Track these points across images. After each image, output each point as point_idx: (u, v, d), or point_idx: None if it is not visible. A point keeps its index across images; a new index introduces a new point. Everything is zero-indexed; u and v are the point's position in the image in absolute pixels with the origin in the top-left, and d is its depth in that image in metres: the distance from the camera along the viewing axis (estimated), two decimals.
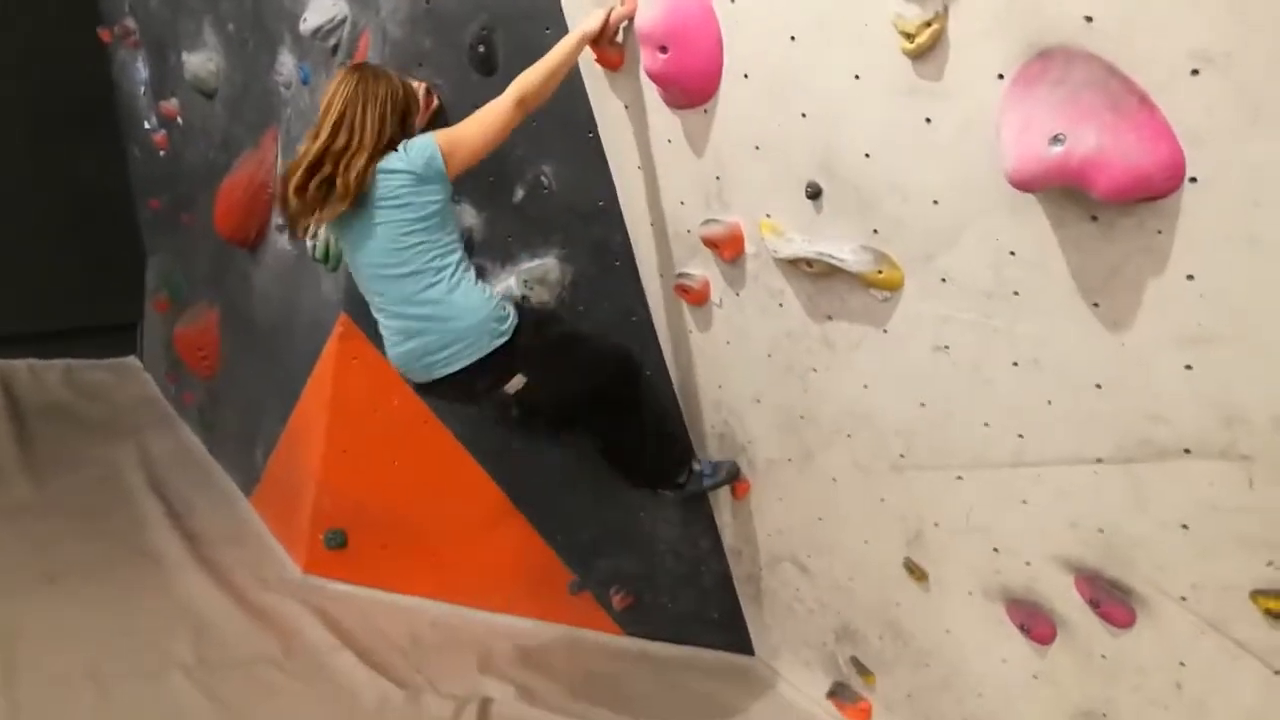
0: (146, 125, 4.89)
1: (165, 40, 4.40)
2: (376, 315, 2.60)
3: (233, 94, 3.88)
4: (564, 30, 2.66)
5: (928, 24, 1.79)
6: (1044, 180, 1.66)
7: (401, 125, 2.44)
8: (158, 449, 4.57)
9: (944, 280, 2.04)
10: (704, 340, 2.81)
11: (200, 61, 3.94)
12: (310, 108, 3.29)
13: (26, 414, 4.83)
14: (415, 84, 2.78)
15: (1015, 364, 1.98)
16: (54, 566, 3.56)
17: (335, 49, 3.05)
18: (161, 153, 4.78)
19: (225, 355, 4.29)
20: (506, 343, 2.51)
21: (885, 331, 2.24)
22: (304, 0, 3.16)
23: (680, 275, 2.72)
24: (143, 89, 4.83)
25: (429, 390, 2.67)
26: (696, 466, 2.96)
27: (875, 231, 2.13)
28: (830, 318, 2.36)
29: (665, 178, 2.64)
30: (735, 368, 2.76)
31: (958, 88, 1.81)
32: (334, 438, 3.30)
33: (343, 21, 2.98)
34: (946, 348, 2.11)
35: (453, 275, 2.47)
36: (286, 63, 3.37)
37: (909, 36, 1.82)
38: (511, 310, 2.56)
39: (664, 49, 2.32)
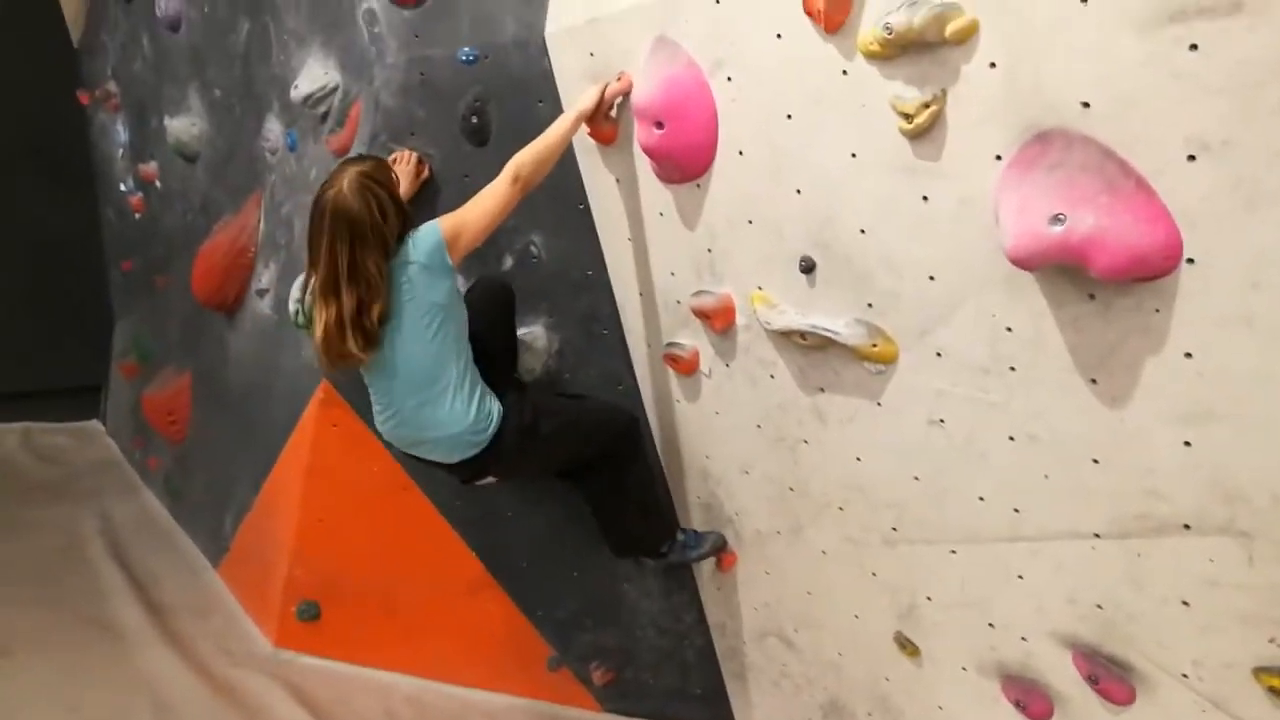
0: (123, 188, 4.87)
1: (147, 104, 4.40)
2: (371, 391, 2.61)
3: (215, 158, 3.88)
4: (557, 103, 2.71)
5: (926, 105, 1.84)
6: (1043, 258, 1.70)
7: (399, 218, 2.44)
8: (120, 515, 4.44)
9: (939, 355, 2.06)
10: (692, 410, 2.81)
11: (184, 125, 3.94)
12: (297, 174, 3.30)
13: None
14: (404, 154, 2.81)
15: (1011, 438, 2.00)
16: (4, 638, 3.42)
17: (325, 116, 3.06)
18: (137, 215, 4.75)
19: (196, 420, 4.20)
20: (480, 451, 2.55)
21: (879, 405, 2.25)
22: (294, 68, 3.18)
23: (670, 345, 2.73)
24: (121, 151, 4.81)
25: (412, 458, 2.68)
26: (680, 537, 2.93)
27: (870, 305, 2.15)
28: (823, 390, 2.37)
29: (656, 249, 2.66)
30: (724, 438, 2.75)
31: (955, 167, 1.86)
32: (309, 505, 3.23)
33: (334, 90, 3.00)
34: (941, 421, 2.13)
35: (451, 385, 2.49)
36: (274, 129, 3.38)
37: (908, 117, 1.87)
38: (493, 420, 2.55)
39: (660, 125, 2.36)
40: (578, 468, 2.87)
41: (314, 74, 3.02)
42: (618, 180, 2.67)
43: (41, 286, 5.53)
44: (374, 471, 3.10)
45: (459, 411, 2.49)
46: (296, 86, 3.02)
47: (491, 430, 2.54)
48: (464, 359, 2.52)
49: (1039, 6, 1.62)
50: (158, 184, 4.46)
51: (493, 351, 2.68)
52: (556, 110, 2.73)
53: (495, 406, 2.56)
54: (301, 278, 3.05)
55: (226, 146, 3.78)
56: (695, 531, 2.94)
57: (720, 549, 2.91)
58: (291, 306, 3.08)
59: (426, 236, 2.42)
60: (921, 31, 1.76)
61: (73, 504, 4.52)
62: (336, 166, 2.49)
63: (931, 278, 2.00)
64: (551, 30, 2.66)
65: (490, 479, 2.72)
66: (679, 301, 2.66)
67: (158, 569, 4.01)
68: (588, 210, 2.80)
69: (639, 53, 2.43)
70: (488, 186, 2.45)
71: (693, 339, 2.68)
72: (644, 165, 2.56)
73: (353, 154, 2.96)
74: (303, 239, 3.17)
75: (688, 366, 2.72)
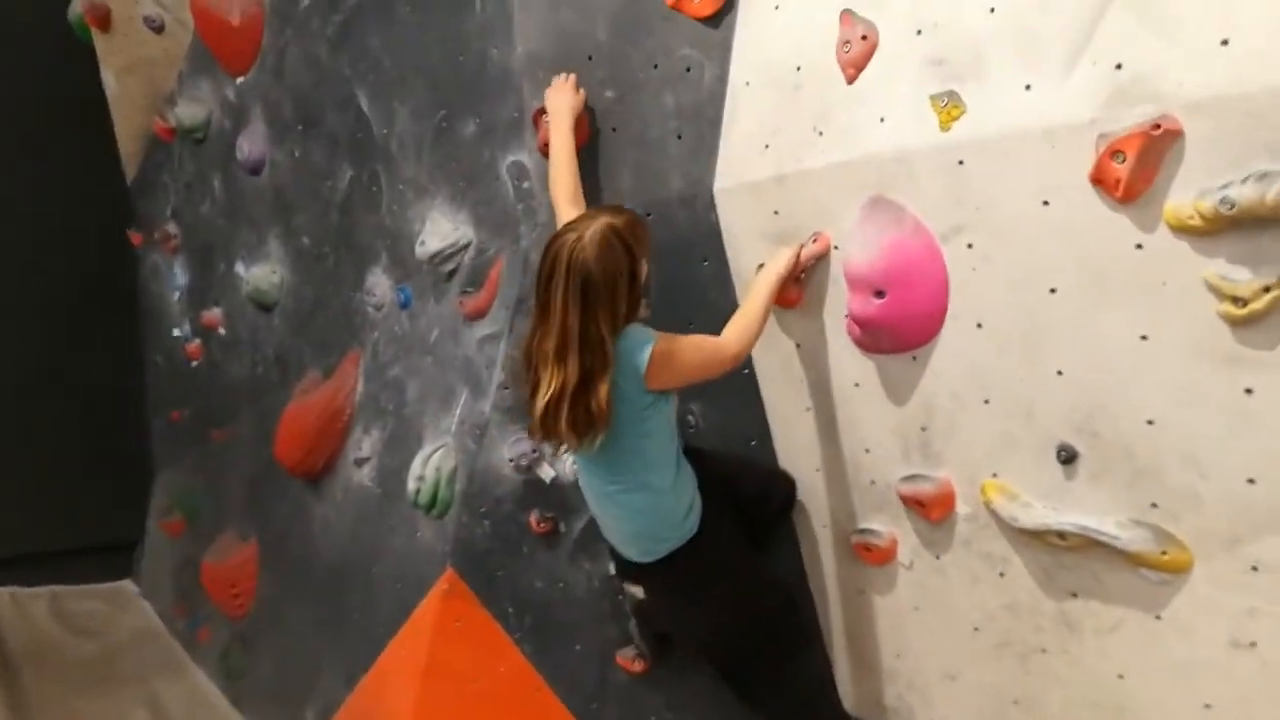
0: (177, 333, 4.57)
1: (215, 248, 4.16)
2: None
3: (298, 309, 3.61)
4: (723, 262, 2.47)
5: (1266, 289, 1.58)
6: None
7: (630, 295, 2.12)
8: (169, 698, 3.99)
9: (1255, 569, 1.75)
10: (881, 603, 2.47)
11: (263, 273, 3.69)
12: (409, 334, 3.02)
13: (10, 655, 4.23)
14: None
15: None
16: None
17: (452, 275, 2.80)
18: (193, 363, 4.44)
19: (264, 595, 3.81)
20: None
21: (1158, 618, 1.92)
22: (411, 220, 2.94)
23: (862, 532, 2.41)
24: (177, 295, 4.54)
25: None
26: None
27: (1154, 506, 1.85)
28: (1075, 595, 2.05)
29: (847, 423, 2.37)
30: (923, 638, 2.41)
31: None
32: (425, 710, 2.83)
33: (465, 247, 2.75)
34: (1253, 644, 1.80)
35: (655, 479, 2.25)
36: (380, 283, 3.12)
37: (1239, 301, 1.61)
38: (691, 526, 2.31)
39: (881, 293, 2.10)
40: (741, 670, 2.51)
41: (441, 229, 2.78)
42: (798, 345, 2.41)
43: (71, 434, 5.16)
44: (500, 673, 2.73)
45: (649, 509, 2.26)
46: (423, 242, 2.77)
47: (682, 538, 2.29)
48: (669, 466, 2.26)
49: None
50: (221, 331, 4.17)
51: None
52: (722, 270, 2.50)
53: (695, 519, 2.30)
54: (427, 451, 2.76)
55: (314, 298, 3.52)
56: None
57: None
58: (411, 484, 2.77)
59: (635, 344, 2.09)
60: (1275, 207, 1.51)
61: (115, 686, 4.06)
62: (586, 213, 2.20)
63: (1251, 480, 1.71)
64: (723, 186, 2.44)
65: (639, 589, 2.44)
66: (873, 482, 2.36)
67: None
68: (753, 377, 2.52)
69: (842, 213, 2.20)
70: (712, 342, 2.18)
71: (890, 525, 2.37)
72: (836, 332, 2.30)
73: (489, 315, 2.70)
74: (417, 404, 2.90)
75: (883, 556, 2.40)
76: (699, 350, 2.17)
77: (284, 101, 3.58)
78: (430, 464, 2.73)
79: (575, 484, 2.62)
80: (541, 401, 2.08)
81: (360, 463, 3.13)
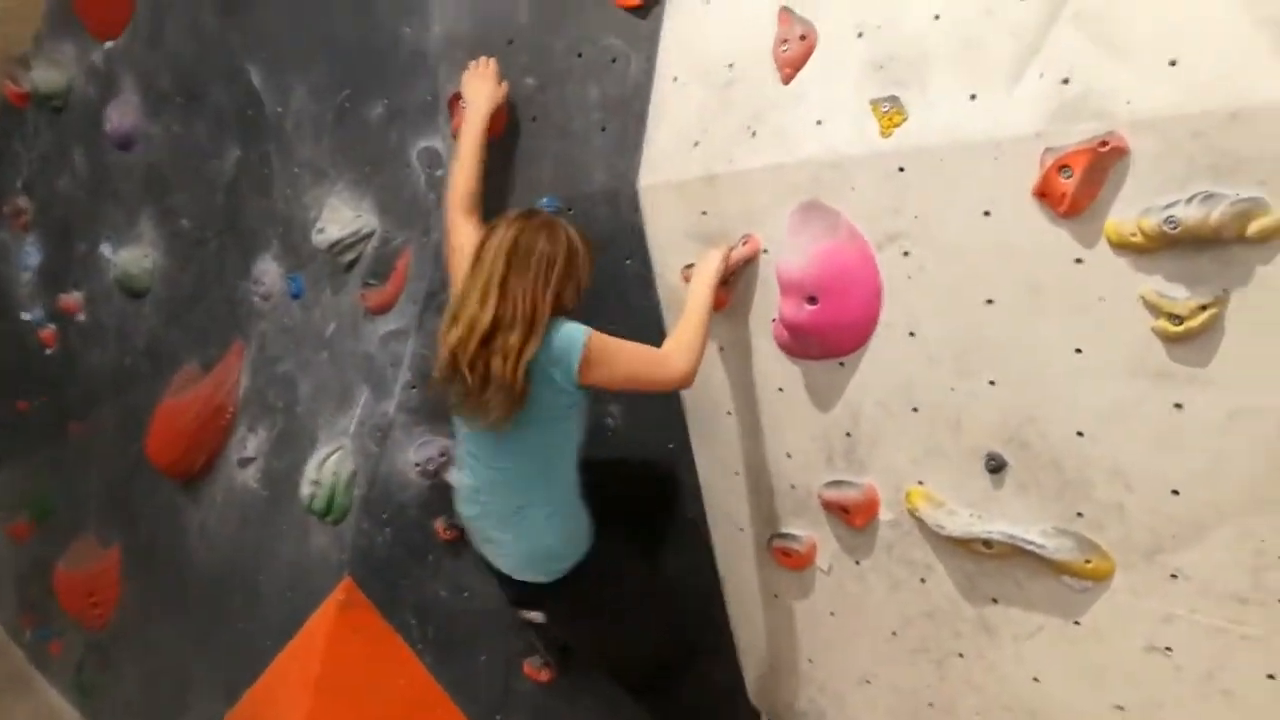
0: (26, 316, 4.17)
1: (74, 226, 3.80)
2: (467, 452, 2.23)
3: (174, 296, 3.34)
4: (645, 261, 2.41)
5: (1203, 308, 1.61)
6: None
7: (575, 292, 2.12)
8: (15, 717, 3.64)
9: (1174, 577, 1.80)
10: (797, 607, 2.46)
11: (134, 257, 3.39)
12: (301, 326, 2.83)
13: None
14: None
15: (1271, 676, 1.74)
16: None
17: (352, 265, 2.63)
18: (47, 350, 4.06)
19: (129, 606, 3.51)
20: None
21: (1076, 624, 1.96)
22: (308, 205, 2.75)
23: (781, 536, 2.39)
24: (28, 275, 4.14)
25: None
26: None
27: (1079, 515, 1.89)
28: (995, 601, 2.07)
29: (769, 428, 2.34)
30: (838, 642, 2.41)
31: (1229, 376, 1.63)
32: None
33: (368, 236, 2.58)
34: (1168, 649, 1.85)
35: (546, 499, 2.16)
36: (270, 271, 2.91)
37: (1176, 318, 1.64)
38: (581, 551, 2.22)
39: (813, 299, 2.07)
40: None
41: (342, 216, 2.60)
42: (721, 348, 2.37)
43: None
44: (399, 685, 2.58)
45: (549, 527, 2.16)
46: (322, 230, 2.59)
47: (579, 554, 2.21)
48: (569, 478, 2.18)
49: None
50: (81, 317, 3.82)
51: None
52: (645, 269, 2.43)
53: (590, 533, 2.23)
54: (323, 453, 2.59)
55: (192, 285, 3.26)
56: None
57: None
58: (305, 489, 2.59)
59: (566, 345, 2.03)
60: (1217, 228, 1.54)
61: None
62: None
63: (1175, 492, 1.75)
64: (649, 183, 2.36)
65: (537, 614, 2.35)
66: (794, 487, 2.34)
67: None
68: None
69: (774, 216, 2.16)
70: (656, 354, 2.10)
71: (809, 530, 2.36)
72: (762, 336, 2.26)
73: (394, 309, 2.55)
74: (310, 402, 2.72)
75: (801, 561, 2.38)
76: (638, 357, 2.09)
77: (161, 71, 3.30)
78: (326, 467, 2.56)
79: None
80: (455, 334, 2.00)
81: (245, 463, 2.92)
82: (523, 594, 2.28)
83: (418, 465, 2.49)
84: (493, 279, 2.00)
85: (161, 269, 3.37)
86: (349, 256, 2.60)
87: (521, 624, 2.54)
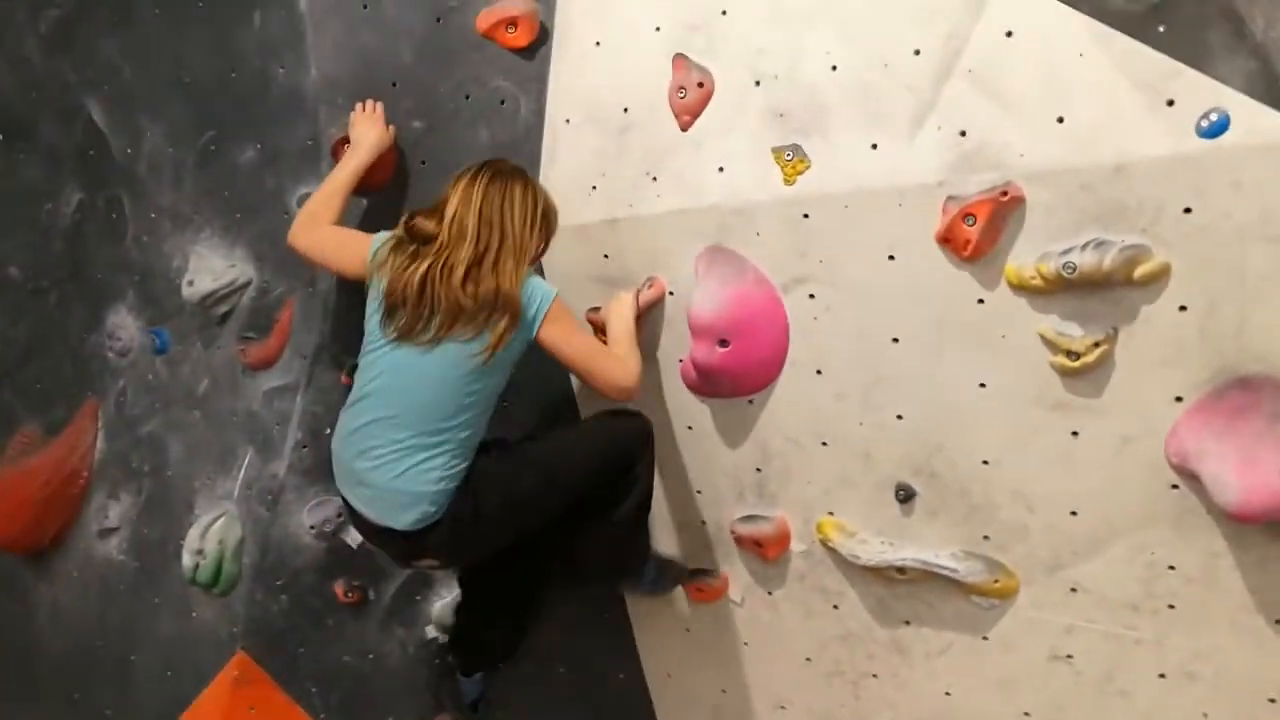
0: None
1: None
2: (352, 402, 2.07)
3: (4, 354, 3.03)
4: None
5: (1096, 344, 1.74)
6: None
7: (542, 241, 2.12)
8: None
9: (1074, 590, 1.94)
10: (708, 639, 2.49)
11: None
12: (168, 384, 2.63)
13: None
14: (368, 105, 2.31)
15: (1162, 675, 1.90)
16: None
17: (225, 317, 2.47)
18: None
19: None
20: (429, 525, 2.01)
21: (985, 639, 2.08)
22: (169, 254, 2.56)
23: (692, 573, 2.41)
24: None
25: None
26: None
27: (986, 538, 2.00)
28: (908, 623, 2.17)
29: (678, 465, 2.36)
30: (753, 671, 2.45)
31: (1120, 406, 1.77)
32: None
33: (243, 287, 2.43)
34: (1069, 657, 1.99)
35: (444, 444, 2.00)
36: (126, 324, 2.68)
37: (1072, 354, 1.77)
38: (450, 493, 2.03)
39: (725, 342, 2.10)
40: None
41: (212, 266, 2.44)
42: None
43: None
44: None
45: (422, 469, 1.98)
46: (191, 282, 2.41)
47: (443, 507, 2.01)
48: (474, 429, 2.04)
49: (1252, 258, 1.59)
50: None
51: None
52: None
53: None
54: (205, 520, 2.43)
55: (27, 340, 2.96)
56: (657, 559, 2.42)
57: (680, 580, 2.42)
58: (187, 559, 2.41)
59: (540, 293, 2.03)
60: (1109, 273, 1.67)
61: None
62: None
63: (1074, 513, 1.89)
64: None
65: (430, 562, 2.17)
66: (704, 522, 2.37)
67: None
68: (578, 418, 2.45)
69: (678, 259, 2.18)
70: (606, 354, 2.10)
71: (721, 564, 2.39)
72: (669, 374, 2.28)
73: (278, 364, 2.41)
74: (183, 465, 2.55)
75: (713, 594, 2.41)
76: (595, 342, 2.13)
77: None
78: (210, 535, 2.38)
79: None
80: (437, 262, 1.96)
81: (106, 533, 2.68)
82: (406, 545, 2.05)
83: (313, 528, 2.37)
84: (480, 210, 1.99)
85: None
86: (223, 309, 2.43)
87: (436, 677, 2.46)
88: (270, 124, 2.37)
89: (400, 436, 1.97)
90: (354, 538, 2.37)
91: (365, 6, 2.32)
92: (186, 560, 2.40)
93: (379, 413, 2.00)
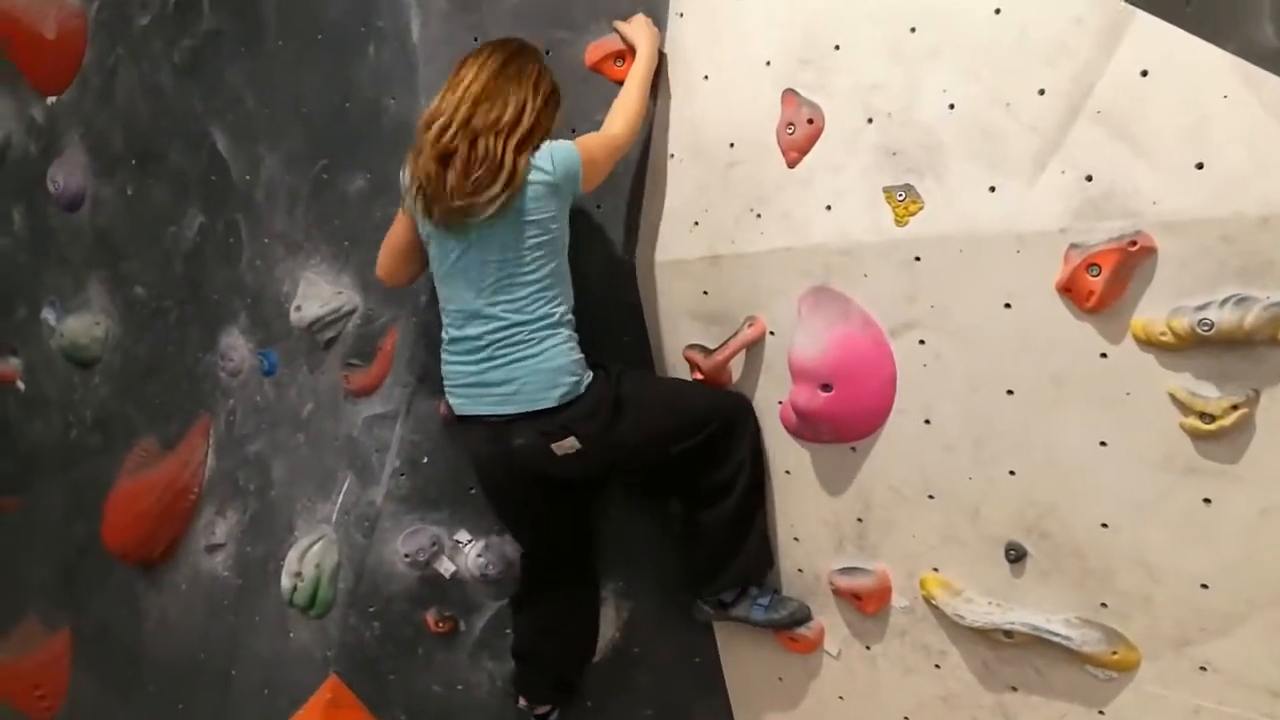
0: None
1: (13, 290, 3.59)
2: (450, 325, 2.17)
3: (128, 368, 3.16)
4: (643, 339, 2.35)
5: (1234, 407, 1.61)
6: None
7: (553, 111, 2.16)
8: None
9: (1203, 669, 1.79)
10: (800, 690, 2.40)
11: (83, 325, 3.21)
12: (274, 405, 2.69)
13: None
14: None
15: None
16: None
17: (330, 343, 2.51)
18: None
19: (79, 698, 3.29)
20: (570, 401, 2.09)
21: (1100, 713, 1.95)
22: (280, 278, 2.62)
23: None
24: None
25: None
26: (754, 591, 2.32)
27: (1104, 606, 1.87)
28: (1014, 689, 2.04)
29: (776, 510, 2.30)
30: None
31: (1259, 474, 1.63)
32: None
33: (349, 314, 2.47)
34: None
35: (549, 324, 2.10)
36: (237, 346, 2.77)
37: (1207, 417, 1.64)
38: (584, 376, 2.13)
39: (827, 386, 2.03)
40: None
41: (320, 292, 2.49)
42: None
43: None
44: None
45: (555, 348, 2.09)
46: (299, 307, 2.46)
47: (584, 381, 2.12)
48: (567, 304, 2.15)
49: None
50: (20, 385, 3.61)
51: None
52: (642, 345, 2.37)
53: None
54: (304, 543, 2.46)
55: (149, 357, 3.08)
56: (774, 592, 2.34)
57: (800, 623, 2.29)
58: (286, 581, 2.46)
59: (565, 152, 2.07)
60: (1251, 331, 1.54)
61: None
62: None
63: (1204, 585, 1.75)
64: (648, 260, 2.32)
65: (572, 443, 2.11)
66: (801, 570, 2.30)
67: None
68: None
69: (781, 299, 2.13)
70: (604, 135, 2.16)
71: (818, 613, 2.31)
72: (768, 416, 2.22)
73: (379, 392, 2.44)
74: (285, 487, 2.60)
75: (809, 645, 2.33)
76: (602, 144, 2.14)
77: (113, 130, 3.14)
78: (308, 559, 2.43)
79: (478, 579, 2.40)
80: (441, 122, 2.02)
81: (213, 549, 2.76)
82: (551, 427, 2.09)
83: (407, 556, 2.38)
84: (490, 80, 2.05)
85: (115, 338, 3.19)
86: (328, 334, 2.48)
87: (523, 714, 2.43)
88: (380, 155, 2.42)
89: (510, 324, 2.06)
90: (446, 567, 2.38)
91: (476, 39, 2.34)
92: (285, 582, 2.44)
93: (483, 314, 2.07)
